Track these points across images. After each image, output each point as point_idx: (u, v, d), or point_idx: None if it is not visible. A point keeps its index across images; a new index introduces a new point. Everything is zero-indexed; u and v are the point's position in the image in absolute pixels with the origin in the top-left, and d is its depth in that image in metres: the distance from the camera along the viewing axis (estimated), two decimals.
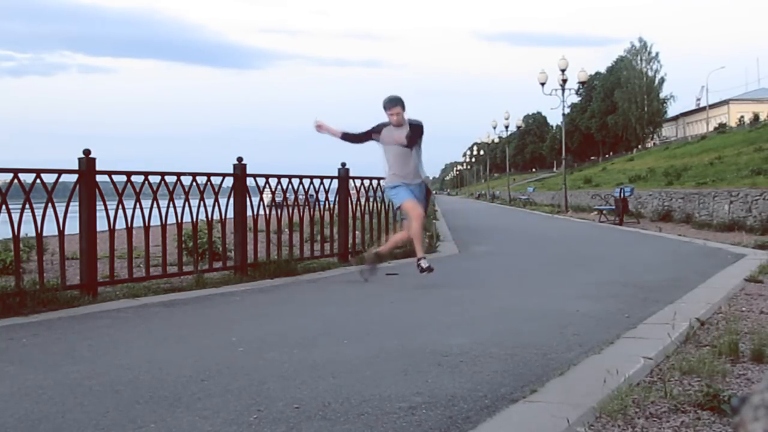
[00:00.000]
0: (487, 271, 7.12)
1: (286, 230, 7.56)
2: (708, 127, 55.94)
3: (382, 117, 6.40)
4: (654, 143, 63.82)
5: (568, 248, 10.38)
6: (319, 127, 6.46)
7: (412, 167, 6.34)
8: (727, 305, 4.92)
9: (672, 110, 67.22)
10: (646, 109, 62.53)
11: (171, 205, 6.34)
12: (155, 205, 6.16)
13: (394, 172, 6.35)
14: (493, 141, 59.79)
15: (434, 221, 15.55)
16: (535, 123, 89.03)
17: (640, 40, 64.42)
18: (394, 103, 6.27)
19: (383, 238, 8.98)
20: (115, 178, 5.85)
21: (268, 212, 7.42)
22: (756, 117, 47.58)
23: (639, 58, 64.01)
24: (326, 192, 8.24)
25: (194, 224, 6.63)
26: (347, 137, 6.52)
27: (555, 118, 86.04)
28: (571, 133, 62.03)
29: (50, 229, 5.41)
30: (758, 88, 63.30)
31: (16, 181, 5.12)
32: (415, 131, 6.33)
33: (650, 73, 63.32)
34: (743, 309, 4.81)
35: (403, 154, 6.29)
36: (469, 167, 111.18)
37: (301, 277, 6.95)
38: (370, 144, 6.51)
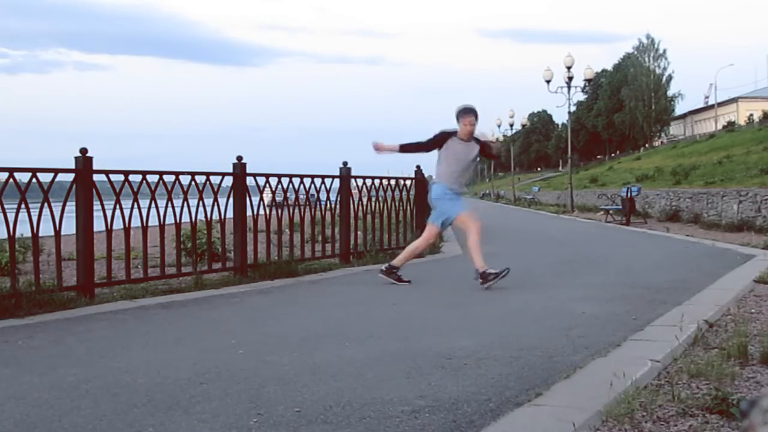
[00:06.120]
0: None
1: (287, 230, 7.51)
2: (716, 125, 55.69)
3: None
4: (662, 142, 63.61)
5: (574, 249, 10.31)
6: (378, 149, 6.41)
7: (468, 180, 6.56)
8: (736, 307, 4.86)
9: (680, 108, 67.04)
10: (653, 107, 62.29)
11: (169, 204, 6.29)
12: (153, 204, 6.12)
13: (458, 184, 6.32)
14: (497, 139, 59.56)
15: None
16: (540, 121, 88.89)
17: (648, 36, 64.26)
18: (469, 112, 6.25)
19: (385, 238, 8.94)
20: (113, 177, 5.82)
21: (268, 212, 7.38)
22: (765, 115, 47.31)
23: (646, 55, 63.79)
24: (327, 191, 8.20)
25: (193, 224, 6.58)
26: (406, 148, 6.45)
27: (561, 117, 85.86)
28: (577, 132, 61.92)
29: (46, 229, 5.37)
30: None
31: (11, 180, 5.08)
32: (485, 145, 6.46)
33: (658, 71, 63.06)
34: (752, 311, 4.74)
35: (469, 167, 6.42)
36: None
37: (302, 278, 6.91)
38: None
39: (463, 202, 6.40)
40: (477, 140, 6.35)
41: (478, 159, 6.52)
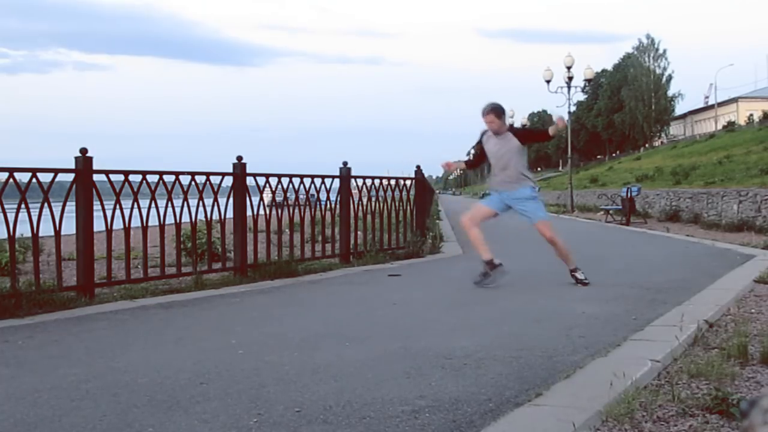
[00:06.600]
0: None
1: (287, 230, 7.51)
2: (717, 125, 55.67)
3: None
4: (662, 142, 63.57)
5: (574, 249, 10.28)
6: (448, 166, 6.75)
7: (510, 173, 6.14)
8: (736, 307, 4.86)
9: (680, 108, 66.98)
10: (653, 107, 62.23)
11: (169, 204, 6.29)
12: (153, 204, 6.12)
13: (501, 179, 6.20)
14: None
15: (437, 221, 15.51)
16: (540, 121, 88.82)
17: (648, 36, 64.13)
18: (486, 110, 6.09)
19: (385, 238, 8.93)
20: (113, 177, 5.82)
21: (268, 212, 7.37)
22: (765, 115, 47.29)
23: (646, 55, 63.72)
24: (327, 191, 8.20)
25: (193, 224, 6.58)
26: (470, 164, 6.80)
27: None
28: (577, 132, 61.87)
29: (46, 229, 5.37)
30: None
31: (11, 180, 5.08)
32: (518, 130, 6.41)
33: (658, 71, 62.96)
34: (752, 311, 4.74)
35: (510, 159, 6.11)
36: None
37: (302, 278, 6.90)
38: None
39: (487, 199, 6.48)
40: (514, 130, 6.25)
41: (522, 147, 6.16)
